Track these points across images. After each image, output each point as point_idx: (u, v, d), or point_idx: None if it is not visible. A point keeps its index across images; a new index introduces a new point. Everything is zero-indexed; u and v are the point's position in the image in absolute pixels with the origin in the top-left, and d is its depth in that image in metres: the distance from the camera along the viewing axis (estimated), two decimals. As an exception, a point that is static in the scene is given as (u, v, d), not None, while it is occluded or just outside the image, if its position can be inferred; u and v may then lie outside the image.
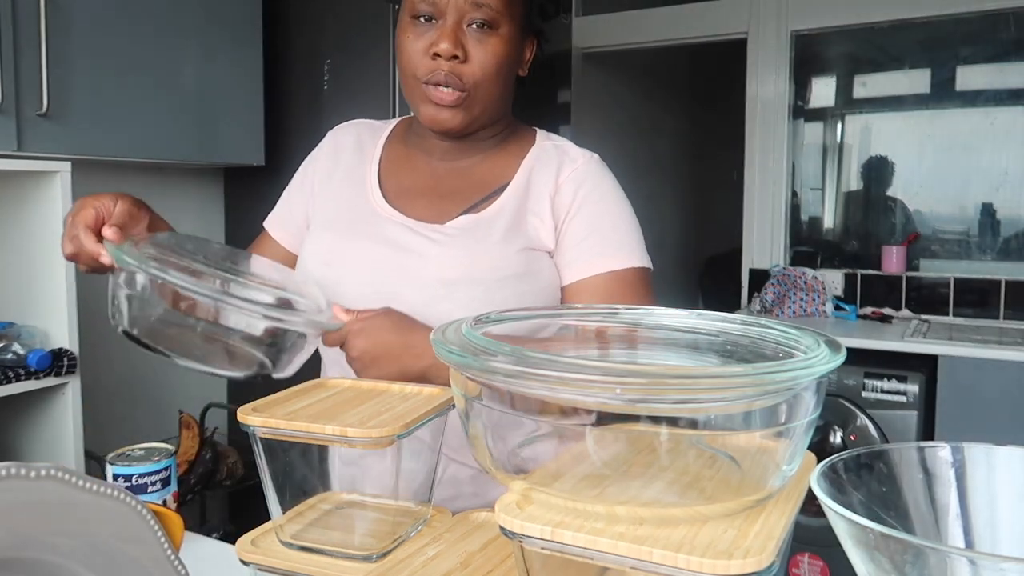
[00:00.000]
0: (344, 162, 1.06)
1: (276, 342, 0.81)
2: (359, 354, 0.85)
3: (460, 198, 0.99)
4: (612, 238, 0.98)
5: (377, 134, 1.09)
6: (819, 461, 0.44)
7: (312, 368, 0.92)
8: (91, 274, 0.93)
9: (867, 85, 3.18)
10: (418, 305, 0.92)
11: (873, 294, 2.97)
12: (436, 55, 0.91)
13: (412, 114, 1.04)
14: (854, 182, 3.25)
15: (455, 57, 0.91)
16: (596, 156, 1.02)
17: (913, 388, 2.35)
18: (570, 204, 0.97)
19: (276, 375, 0.83)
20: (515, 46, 0.96)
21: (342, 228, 1.00)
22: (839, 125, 3.23)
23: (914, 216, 3.05)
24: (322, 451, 0.77)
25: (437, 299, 0.93)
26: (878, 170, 3.12)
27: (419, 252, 0.95)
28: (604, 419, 0.49)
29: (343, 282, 0.97)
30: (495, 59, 0.93)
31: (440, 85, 0.92)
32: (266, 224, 1.12)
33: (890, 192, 3.12)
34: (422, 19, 0.93)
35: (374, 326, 0.86)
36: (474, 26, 0.92)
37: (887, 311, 2.89)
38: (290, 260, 1.07)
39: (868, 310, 2.90)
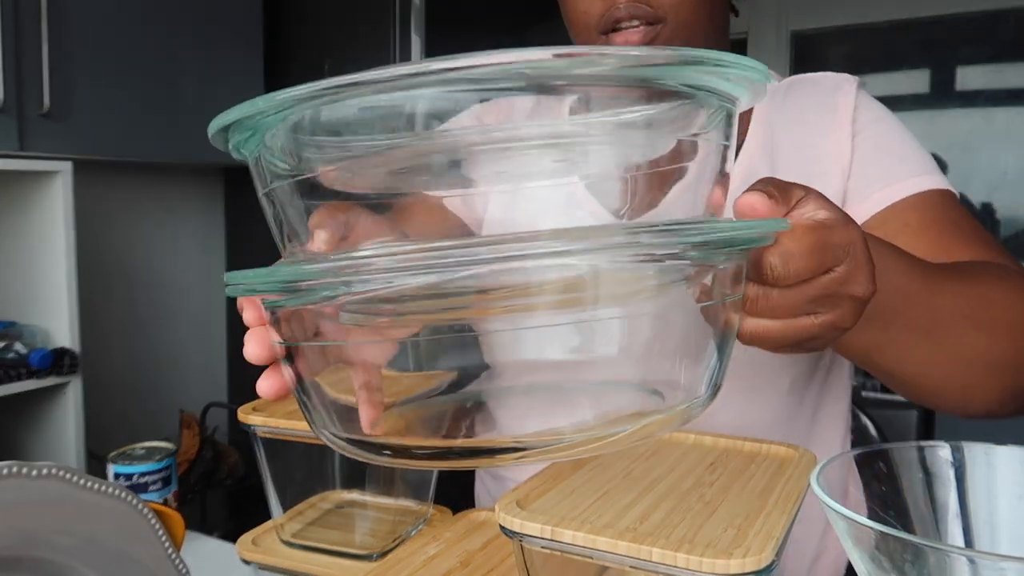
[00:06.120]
0: None
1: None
2: (872, 287, 0.41)
3: (671, 173, 0.76)
4: (914, 154, 0.74)
5: None
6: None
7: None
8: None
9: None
10: None
11: (873, 294, 2.96)
12: None
13: None
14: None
15: None
16: (855, 77, 0.80)
17: (913, 388, 2.35)
18: (851, 138, 0.75)
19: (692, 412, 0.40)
20: None
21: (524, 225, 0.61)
22: (839, 125, 3.23)
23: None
24: (322, 450, 0.77)
25: None
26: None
27: None
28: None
29: None
30: None
31: (623, 26, 0.68)
32: None
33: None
34: None
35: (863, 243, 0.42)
36: None
37: (887, 311, 2.89)
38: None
39: (868, 310, 2.90)
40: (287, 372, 0.40)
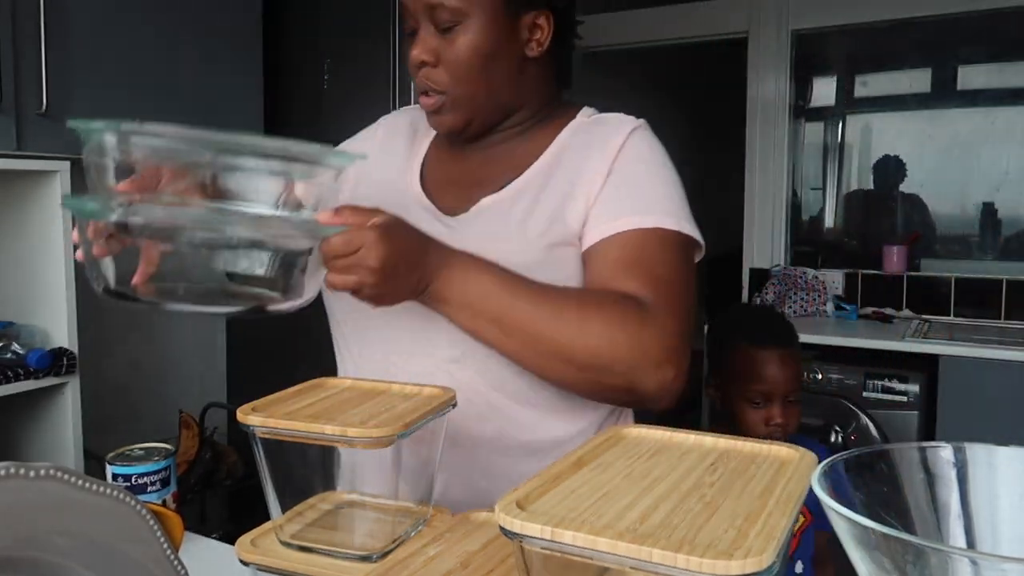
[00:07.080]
0: (395, 146, 1.05)
1: (278, 260, 0.73)
2: (381, 263, 0.73)
3: (488, 184, 0.96)
4: (646, 194, 0.89)
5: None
6: (820, 461, 0.44)
7: (315, 367, 0.92)
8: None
9: (868, 84, 3.18)
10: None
11: (874, 294, 2.96)
12: (414, 66, 0.93)
13: None
14: (855, 182, 3.25)
15: (424, 64, 0.91)
16: (641, 121, 0.96)
17: (914, 388, 2.35)
18: (605, 175, 0.90)
19: (284, 305, 0.74)
20: (496, 33, 0.91)
21: None
22: (840, 125, 3.23)
23: (915, 215, 3.05)
24: (322, 451, 0.77)
25: None
26: (886, 169, 3.10)
27: None
28: None
29: None
30: (466, 55, 0.90)
31: (424, 93, 0.94)
32: None
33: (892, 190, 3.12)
34: (408, 34, 0.94)
35: (396, 227, 0.76)
36: (442, 28, 0.90)
37: (888, 311, 2.88)
38: None
39: (869, 310, 2.90)
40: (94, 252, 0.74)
